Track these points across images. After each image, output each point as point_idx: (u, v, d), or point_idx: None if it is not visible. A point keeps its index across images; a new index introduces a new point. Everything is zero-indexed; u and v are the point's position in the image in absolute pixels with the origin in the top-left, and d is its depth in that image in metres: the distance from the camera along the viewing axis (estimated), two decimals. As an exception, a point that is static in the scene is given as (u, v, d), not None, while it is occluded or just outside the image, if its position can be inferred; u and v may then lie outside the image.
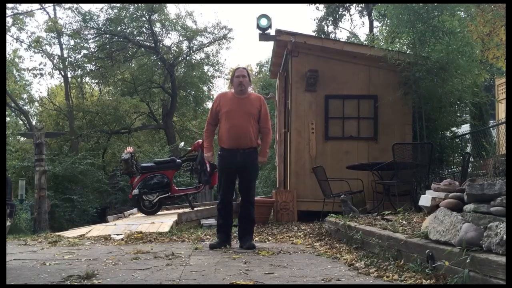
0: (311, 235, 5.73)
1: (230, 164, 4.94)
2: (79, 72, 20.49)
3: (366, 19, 21.10)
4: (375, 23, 19.84)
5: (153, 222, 7.38)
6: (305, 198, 7.86)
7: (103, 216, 12.22)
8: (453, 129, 9.26)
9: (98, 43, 19.93)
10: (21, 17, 19.21)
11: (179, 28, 20.41)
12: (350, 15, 21.51)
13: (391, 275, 3.19)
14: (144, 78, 20.53)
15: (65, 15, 24.69)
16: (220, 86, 58.08)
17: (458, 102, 8.81)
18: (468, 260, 2.58)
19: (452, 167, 8.83)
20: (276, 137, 9.13)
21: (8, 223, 4.24)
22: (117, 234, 6.44)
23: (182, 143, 10.82)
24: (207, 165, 9.01)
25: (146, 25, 19.65)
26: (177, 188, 9.30)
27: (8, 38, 19.60)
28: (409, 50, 8.37)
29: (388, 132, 8.00)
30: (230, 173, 5.01)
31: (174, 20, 20.48)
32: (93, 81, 22.10)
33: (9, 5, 17.99)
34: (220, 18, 54.46)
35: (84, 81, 22.07)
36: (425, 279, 2.92)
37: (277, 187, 8.98)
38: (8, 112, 20.87)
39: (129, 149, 9.26)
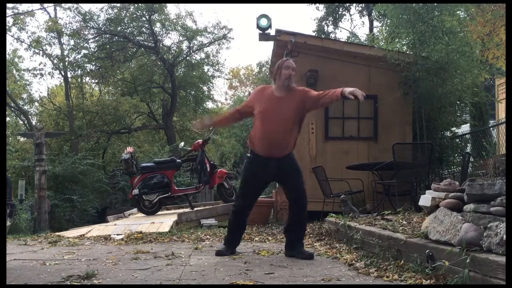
0: (311, 235, 5.74)
1: (260, 172, 4.31)
2: (79, 72, 20.47)
3: (366, 19, 21.14)
4: (375, 23, 19.89)
5: (153, 222, 7.39)
6: (305, 198, 7.84)
7: (103, 216, 12.22)
8: (453, 129, 9.26)
9: (98, 43, 19.91)
10: (21, 17, 19.19)
11: (179, 28, 20.39)
12: (350, 15, 21.56)
13: (391, 275, 3.19)
14: (144, 78, 20.51)
15: (65, 15, 24.66)
16: (220, 86, 58.31)
17: (458, 102, 8.82)
18: (468, 260, 2.58)
19: (452, 167, 8.83)
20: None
21: (8, 223, 4.23)
22: (117, 234, 6.44)
23: (182, 143, 10.82)
24: (207, 165, 9.03)
25: (146, 25, 19.62)
26: (177, 188, 9.30)
27: (8, 38, 19.60)
28: (409, 50, 8.38)
29: (388, 132, 8.00)
30: (259, 180, 4.39)
31: (174, 20, 20.46)
32: (93, 81, 22.09)
33: (9, 5, 17.99)
34: (220, 18, 54.42)
35: (84, 81, 22.05)
36: (425, 279, 2.92)
37: (277, 187, 8.99)
38: (8, 112, 20.85)
39: (129, 149, 9.26)
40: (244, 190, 4.43)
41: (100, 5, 22.29)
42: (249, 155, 4.41)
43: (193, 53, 21.02)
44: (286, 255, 4.34)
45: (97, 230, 7.22)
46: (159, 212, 9.08)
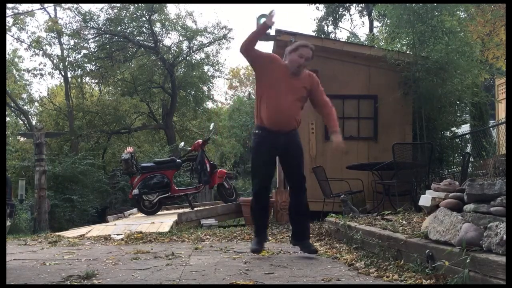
0: (311, 235, 5.72)
1: (270, 146, 4.21)
2: (79, 72, 20.48)
3: (366, 19, 21.16)
4: (375, 23, 19.90)
5: (153, 222, 7.39)
6: (305, 198, 7.85)
7: (103, 216, 12.22)
8: (453, 129, 9.26)
9: (98, 43, 19.92)
10: (21, 17, 19.19)
11: (179, 28, 20.40)
12: (350, 15, 21.58)
13: (391, 275, 3.19)
14: (144, 78, 20.52)
15: (65, 15, 24.69)
16: (220, 86, 58.32)
17: (458, 102, 8.83)
18: (468, 260, 2.58)
19: (452, 167, 8.84)
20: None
21: (8, 223, 4.24)
22: (117, 234, 6.44)
23: (182, 143, 10.83)
24: (207, 165, 9.03)
25: (146, 25, 19.63)
26: (177, 188, 9.30)
27: (8, 38, 19.59)
28: (408, 50, 8.38)
29: (388, 132, 8.00)
30: (269, 155, 4.25)
31: (174, 20, 20.47)
32: (93, 81, 22.10)
33: (9, 5, 17.98)
34: (220, 18, 54.46)
35: (84, 81, 22.06)
36: (425, 279, 2.92)
37: (277, 187, 8.99)
38: (8, 112, 20.84)
39: (129, 149, 9.27)
40: (257, 169, 4.31)
41: (100, 5, 22.32)
42: (256, 131, 4.28)
43: (193, 53, 21.04)
44: (291, 244, 4.43)
45: (97, 230, 7.22)
46: (159, 212, 9.08)
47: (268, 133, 4.20)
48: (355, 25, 56.46)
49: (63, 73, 20.91)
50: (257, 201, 4.35)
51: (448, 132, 9.14)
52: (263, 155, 4.24)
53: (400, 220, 4.45)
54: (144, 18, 19.51)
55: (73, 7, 19.21)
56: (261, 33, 4.33)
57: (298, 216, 4.35)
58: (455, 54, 7.61)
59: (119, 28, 19.38)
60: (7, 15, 16.95)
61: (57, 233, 7.34)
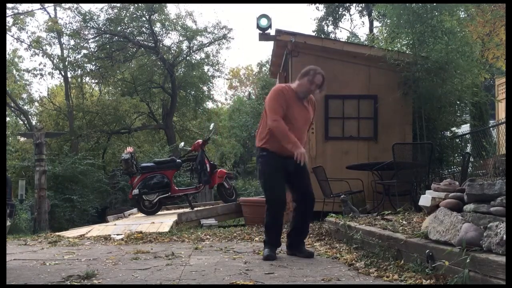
0: (311, 235, 5.73)
1: (279, 166, 4.18)
2: (79, 72, 20.48)
3: (366, 19, 21.17)
4: (375, 23, 19.92)
5: (153, 222, 7.39)
6: (305, 198, 7.84)
7: (103, 216, 12.23)
8: (453, 129, 9.26)
9: (98, 43, 19.91)
10: (21, 17, 19.17)
11: (179, 28, 20.39)
12: (350, 15, 21.60)
13: (391, 275, 3.19)
14: (144, 78, 20.51)
15: (65, 15, 24.72)
16: (220, 86, 58.36)
17: (458, 102, 8.81)
18: (468, 260, 2.58)
19: (452, 167, 8.83)
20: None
21: (8, 223, 4.24)
22: (117, 234, 6.45)
23: (182, 143, 10.84)
24: (207, 165, 9.03)
25: (146, 25, 19.62)
26: (177, 188, 9.31)
27: (8, 38, 19.58)
28: (408, 50, 8.38)
29: (388, 132, 8.00)
30: (280, 172, 4.21)
31: (174, 20, 20.47)
32: (93, 81, 22.09)
33: (9, 5, 17.98)
34: (220, 18, 54.52)
35: (84, 81, 22.05)
36: (425, 279, 2.92)
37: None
38: (8, 112, 20.83)
39: (129, 149, 9.27)
40: (271, 188, 4.22)
41: (100, 5, 22.31)
42: (263, 153, 4.23)
43: (193, 53, 21.04)
44: (287, 254, 4.35)
45: (97, 230, 7.22)
46: (159, 212, 9.08)
47: (275, 155, 4.16)
48: (355, 25, 56.54)
49: (63, 73, 20.90)
50: (271, 215, 4.25)
51: (448, 132, 9.13)
52: (274, 174, 4.20)
53: (400, 220, 4.45)
54: (144, 18, 19.50)
55: (73, 7, 19.21)
56: (287, 145, 4.12)
57: (300, 237, 4.33)
58: (455, 54, 7.60)
59: (119, 28, 19.37)
60: (7, 15, 16.95)
61: (57, 233, 7.34)
